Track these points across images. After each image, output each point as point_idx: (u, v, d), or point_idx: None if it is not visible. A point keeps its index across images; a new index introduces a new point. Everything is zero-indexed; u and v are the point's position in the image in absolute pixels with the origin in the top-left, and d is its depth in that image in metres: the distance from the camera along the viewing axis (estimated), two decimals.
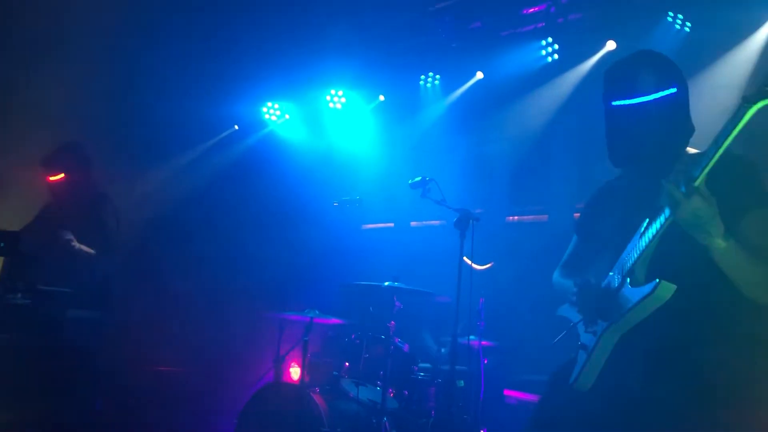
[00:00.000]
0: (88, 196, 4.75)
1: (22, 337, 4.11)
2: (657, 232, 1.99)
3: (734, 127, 1.78)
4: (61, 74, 5.85)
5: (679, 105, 2.17)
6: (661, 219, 1.97)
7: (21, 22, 5.77)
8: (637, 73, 2.19)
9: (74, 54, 5.96)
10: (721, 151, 1.81)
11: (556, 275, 2.62)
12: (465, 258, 4.00)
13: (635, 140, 2.19)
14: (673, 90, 2.14)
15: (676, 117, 2.16)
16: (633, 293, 2.04)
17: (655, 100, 2.13)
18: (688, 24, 5.17)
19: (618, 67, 2.27)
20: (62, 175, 4.72)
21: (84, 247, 4.46)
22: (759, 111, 1.76)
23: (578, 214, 2.68)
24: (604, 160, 2.41)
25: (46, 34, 5.80)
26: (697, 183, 1.85)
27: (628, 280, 2.09)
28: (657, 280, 1.94)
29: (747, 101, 1.75)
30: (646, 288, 1.98)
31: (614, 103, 2.22)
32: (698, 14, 5.11)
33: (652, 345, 2.05)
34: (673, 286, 1.94)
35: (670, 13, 5.18)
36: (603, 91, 2.29)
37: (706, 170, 1.84)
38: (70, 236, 4.40)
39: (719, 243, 1.89)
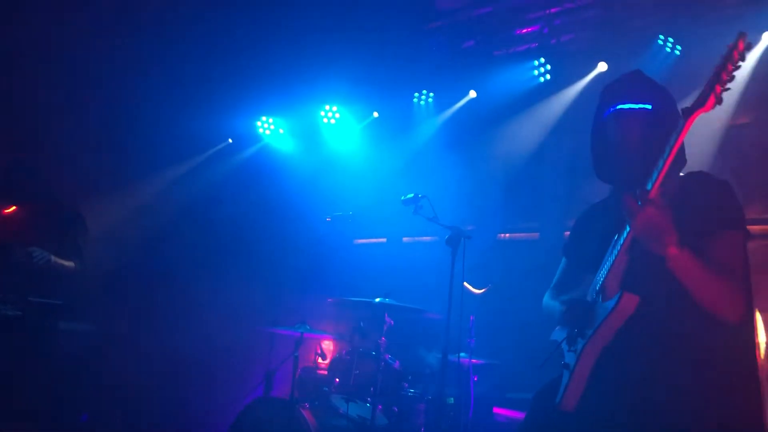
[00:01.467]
0: (58, 215, 4.65)
1: (13, 349, 4.10)
2: (621, 245, 2.05)
3: (677, 138, 1.91)
4: (53, 86, 5.86)
5: (657, 121, 2.22)
6: (624, 233, 2.04)
7: (15, 33, 5.78)
8: (625, 86, 2.33)
9: (68, 66, 5.98)
10: (668, 162, 1.91)
11: (547, 298, 2.65)
12: (465, 283, 4.01)
13: (611, 151, 2.30)
14: (648, 107, 2.23)
15: (652, 132, 2.21)
16: (603, 308, 2.08)
17: (631, 109, 2.24)
18: (678, 47, 5.25)
19: (611, 83, 2.41)
20: (13, 208, 4.60)
21: (62, 261, 4.43)
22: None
23: (568, 233, 2.72)
24: (594, 179, 2.46)
25: (43, 48, 5.82)
26: (651, 194, 1.91)
27: (600, 296, 2.13)
28: (619, 292, 2.00)
29: (685, 113, 1.90)
30: (612, 301, 2.03)
31: (605, 112, 2.34)
32: (688, 38, 5.19)
33: (629, 361, 2.07)
34: (636, 297, 1.98)
35: (661, 37, 5.26)
36: (597, 108, 2.39)
37: (658, 181, 1.92)
38: (49, 256, 4.33)
39: (673, 252, 1.92)
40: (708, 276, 1.95)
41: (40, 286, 4.37)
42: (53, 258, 4.35)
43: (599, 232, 2.36)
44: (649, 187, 1.93)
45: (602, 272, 2.14)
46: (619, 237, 2.09)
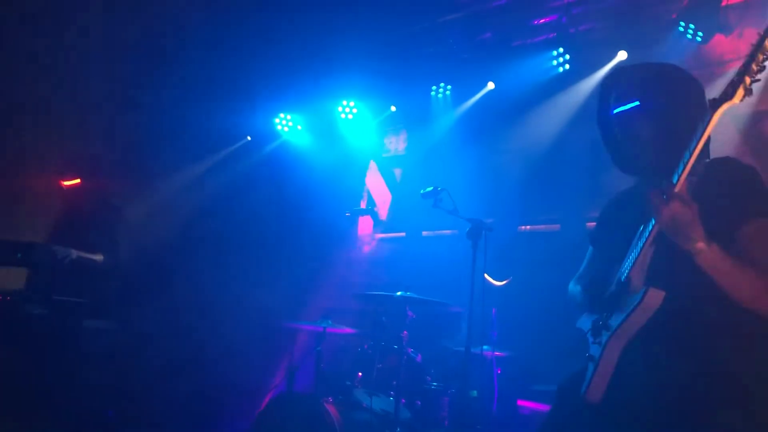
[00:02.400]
0: (100, 206, 4.81)
1: (38, 347, 4.16)
2: (646, 239, 2.02)
3: (704, 131, 1.85)
4: (75, 86, 5.93)
5: (652, 116, 2.18)
6: (650, 226, 2.00)
7: (36, 32, 5.85)
8: (617, 85, 2.29)
9: (89, 66, 6.04)
10: (694, 155, 1.86)
11: (572, 286, 2.62)
12: (486, 275, 4.00)
13: (622, 149, 2.27)
14: (635, 103, 2.19)
15: (652, 128, 2.17)
16: (629, 301, 2.05)
17: (623, 112, 2.21)
18: (700, 34, 5.17)
19: (605, 79, 2.39)
20: (77, 180, 4.79)
21: (89, 255, 4.49)
22: None
23: (591, 224, 2.70)
24: (614, 169, 2.43)
25: (63, 46, 5.88)
26: (676, 188, 1.87)
27: (625, 289, 2.10)
28: (645, 287, 1.97)
29: (712, 105, 1.85)
30: (637, 296, 2.00)
31: (600, 114, 2.32)
32: (708, 25, 5.11)
33: (654, 353, 2.05)
34: (662, 293, 1.95)
35: (682, 23, 5.18)
36: (598, 103, 2.37)
37: (684, 175, 1.88)
38: (72, 253, 4.42)
39: (700, 248, 1.88)
40: (738, 269, 1.91)
41: (65, 284, 4.43)
42: (76, 254, 4.41)
43: (625, 221, 2.33)
44: (674, 180, 1.89)
45: (627, 264, 2.11)
46: (644, 228, 2.05)
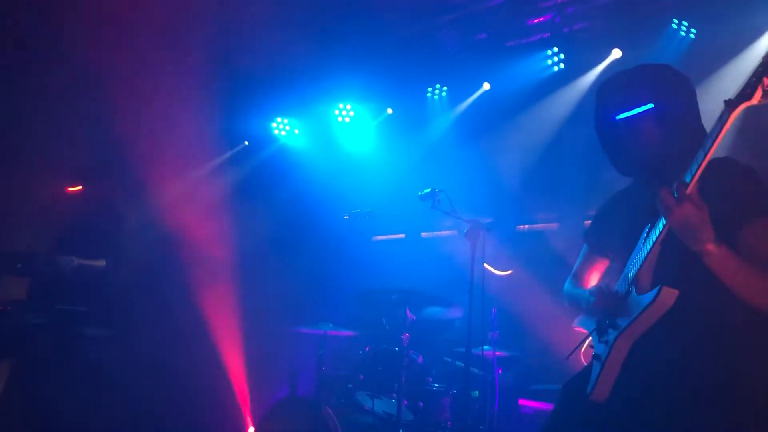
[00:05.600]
0: (103, 212, 4.82)
1: (41, 355, 4.17)
2: (657, 238, 2.01)
3: (719, 131, 1.83)
4: (74, 92, 5.94)
5: (665, 118, 2.17)
6: (660, 226, 2.00)
7: (30, 36, 5.85)
8: (619, 90, 2.27)
9: (84, 71, 6.04)
10: (709, 155, 1.85)
11: (567, 285, 2.62)
12: (485, 264, 4.00)
13: (627, 153, 2.26)
14: (650, 105, 2.17)
15: (664, 129, 2.16)
16: (638, 301, 2.05)
17: (633, 116, 2.19)
18: (693, 30, 5.19)
19: (603, 85, 2.36)
20: (80, 187, 4.81)
21: (90, 261, 4.50)
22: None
23: (589, 222, 2.70)
24: (612, 168, 2.44)
25: (56, 48, 5.88)
26: (689, 189, 1.87)
27: (633, 288, 2.11)
28: (659, 286, 1.97)
29: (729, 105, 1.81)
30: (650, 295, 2.00)
31: (599, 120, 2.31)
32: (703, 21, 5.13)
33: (663, 353, 2.05)
34: (676, 291, 1.95)
35: (675, 20, 5.20)
36: (596, 109, 2.35)
37: (697, 175, 1.87)
38: (74, 260, 4.44)
39: (710, 249, 1.89)
40: (747, 271, 1.92)
41: (67, 292, 4.44)
42: (78, 261, 4.42)
43: (624, 220, 2.34)
44: (687, 180, 1.88)
45: (635, 263, 2.11)
46: (653, 228, 2.05)
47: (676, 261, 2.03)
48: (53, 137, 5.81)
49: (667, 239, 2.00)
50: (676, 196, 1.87)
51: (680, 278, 1.99)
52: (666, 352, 2.05)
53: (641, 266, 2.08)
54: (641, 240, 2.12)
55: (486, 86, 6.48)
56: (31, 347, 4.18)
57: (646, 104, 2.17)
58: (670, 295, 1.96)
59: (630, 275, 2.13)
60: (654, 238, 2.03)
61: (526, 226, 6.41)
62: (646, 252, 2.06)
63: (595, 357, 2.21)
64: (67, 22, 5.70)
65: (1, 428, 4.02)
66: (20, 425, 4.02)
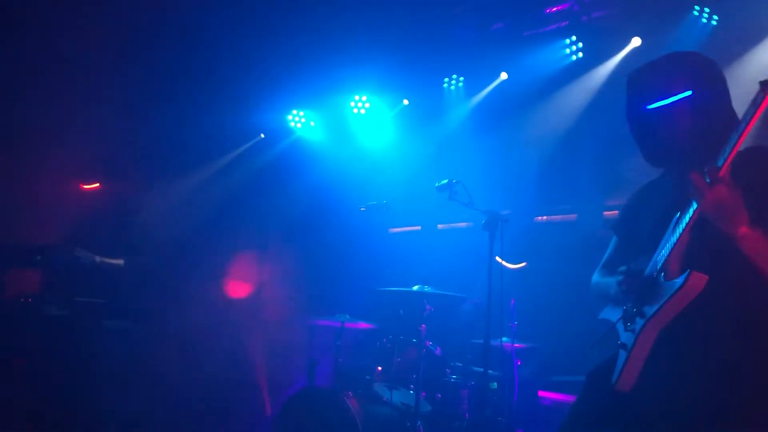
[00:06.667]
0: (120, 209, 4.85)
1: (60, 347, 4.22)
2: (687, 224, 1.98)
3: (754, 114, 1.80)
4: (88, 89, 5.97)
5: (702, 105, 2.13)
6: (690, 211, 1.97)
7: (48, 35, 5.89)
8: (653, 79, 2.23)
9: (100, 67, 6.07)
10: (742, 138, 1.81)
11: (596, 276, 2.58)
12: (498, 258, 3.99)
13: (661, 143, 2.22)
14: (688, 93, 2.13)
15: (702, 117, 2.13)
16: (667, 287, 2.02)
17: (670, 104, 2.15)
18: (715, 17, 5.10)
19: (636, 74, 2.31)
20: (96, 184, 4.83)
21: (110, 260, 4.53)
22: None
23: (608, 213, 2.66)
24: (631, 158, 2.40)
25: (73, 47, 5.92)
26: (721, 172, 1.84)
27: (662, 274, 2.07)
28: (688, 270, 1.94)
29: (765, 86, 1.77)
30: (679, 280, 1.97)
31: (632, 110, 2.27)
32: (724, 7, 5.04)
33: (691, 341, 2.02)
34: (705, 277, 1.92)
35: (696, 7, 5.12)
36: (625, 98, 2.31)
37: (730, 159, 1.84)
38: (96, 258, 4.46)
39: (745, 232, 1.87)
40: None
41: (86, 285, 4.47)
42: (98, 258, 4.45)
43: (654, 211, 2.30)
44: (720, 163, 1.85)
45: (664, 251, 2.08)
46: (682, 215, 2.02)
47: (706, 247, 2.00)
48: (72, 135, 5.86)
49: (697, 226, 1.97)
50: (708, 180, 1.84)
51: (711, 264, 1.96)
52: (695, 340, 2.02)
53: (670, 253, 2.05)
54: (670, 227, 2.09)
55: (503, 76, 6.43)
56: (50, 338, 4.22)
57: (683, 92, 2.14)
58: (699, 279, 1.93)
59: (659, 262, 2.09)
60: (683, 225, 2.00)
61: (545, 217, 6.37)
62: (675, 238, 2.03)
63: (621, 346, 2.18)
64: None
65: (21, 419, 4.07)
66: (39, 416, 4.07)
